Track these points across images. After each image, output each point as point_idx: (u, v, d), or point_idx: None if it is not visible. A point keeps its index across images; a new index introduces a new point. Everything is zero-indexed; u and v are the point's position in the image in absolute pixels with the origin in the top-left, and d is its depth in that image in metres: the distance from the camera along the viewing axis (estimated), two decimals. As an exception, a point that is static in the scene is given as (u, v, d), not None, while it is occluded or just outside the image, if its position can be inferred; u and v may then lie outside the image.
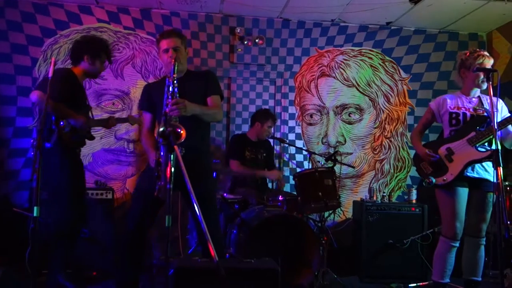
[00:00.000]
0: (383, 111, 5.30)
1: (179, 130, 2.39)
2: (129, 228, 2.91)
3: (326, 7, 4.78)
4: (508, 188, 4.23)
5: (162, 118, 2.55)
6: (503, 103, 3.21)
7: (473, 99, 3.22)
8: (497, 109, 3.16)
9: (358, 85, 5.26)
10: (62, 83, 3.18)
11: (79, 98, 3.38)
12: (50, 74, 2.68)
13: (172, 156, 2.24)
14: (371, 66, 5.30)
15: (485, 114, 3.14)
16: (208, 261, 2.31)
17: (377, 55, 5.32)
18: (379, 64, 5.32)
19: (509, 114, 3.15)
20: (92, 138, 3.57)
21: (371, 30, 5.30)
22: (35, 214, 2.42)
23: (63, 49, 4.72)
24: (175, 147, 2.23)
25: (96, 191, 4.12)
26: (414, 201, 4.33)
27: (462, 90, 3.27)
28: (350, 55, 5.28)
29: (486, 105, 3.18)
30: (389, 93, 5.32)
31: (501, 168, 2.61)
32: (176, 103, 2.63)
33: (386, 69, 5.33)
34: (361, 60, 5.29)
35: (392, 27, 5.32)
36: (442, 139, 3.26)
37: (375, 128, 5.29)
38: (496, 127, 2.73)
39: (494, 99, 3.20)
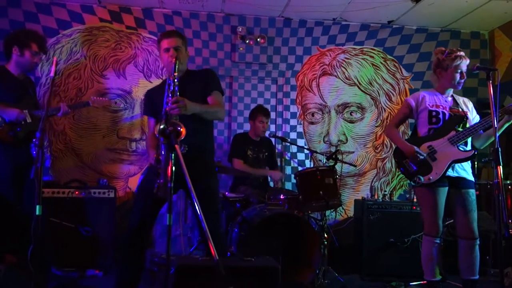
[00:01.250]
0: (384, 110, 5.31)
1: (179, 128, 2.40)
2: (131, 226, 2.93)
3: (328, 6, 4.78)
4: (510, 186, 4.23)
5: (162, 117, 2.56)
6: (472, 105, 3.30)
7: (448, 98, 3.26)
8: (468, 109, 3.26)
9: (359, 83, 5.27)
10: None
11: (14, 92, 3.29)
12: (52, 74, 2.70)
13: (173, 155, 2.25)
14: (372, 64, 5.31)
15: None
16: (208, 259, 2.32)
17: (378, 53, 5.32)
18: (381, 62, 5.32)
19: (478, 116, 3.24)
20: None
21: (373, 28, 5.30)
22: (37, 213, 2.44)
23: (66, 49, 4.74)
24: (176, 146, 2.24)
25: (99, 189, 4.13)
26: (415, 200, 4.33)
27: (436, 88, 3.30)
28: (352, 54, 5.28)
29: (462, 105, 3.23)
30: (390, 91, 5.32)
31: (500, 167, 2.61)
32: (176, 101, 2.63)
33: (388, 67, 5.33)
34: (362, 58, 5.29)
35: (394, 26, 5.32)
36: (421, 137, 3.25)
37: (376, 126, 5.29)
38: (496, 126, 2.72)
39: (466, 99, 3.32)
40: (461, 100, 3.29)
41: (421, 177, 3.12)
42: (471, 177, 3.19)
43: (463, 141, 3.11)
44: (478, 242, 3.12)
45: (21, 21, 4.68)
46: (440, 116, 3.17)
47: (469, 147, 3.20)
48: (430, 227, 3.14)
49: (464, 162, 3.14)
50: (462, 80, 3.16)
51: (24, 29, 3.66)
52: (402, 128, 5.29)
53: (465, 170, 3.17)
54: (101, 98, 3.90)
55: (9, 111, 3.16)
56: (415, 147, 3.14)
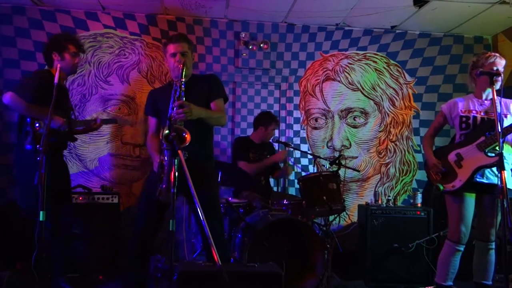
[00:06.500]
0: (388, 115, 5.30)
1: (184, 134, 2.40)
2: (136, 232, 2.93)
3: (331, 11, 4.79)
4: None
5: (167, 122, 2.56)
6: None
7: (485, 101, 3.17)
8: (509, 112, 3.13)
9: (363, 89, 5.26)
10: (37, 84, 3.10)
11: (58, 99, 3.33)
12: (56, 80, 2.72)
13: (176, 160, 2.26)
14: (376, 70, 5.30)
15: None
16: (211, 265, 2.32)
17: (381, 58, 5.32)
18: (384, 67, 5.32)
19: None
20: (73, 139, 3.51)
21: (376, 34, 5.31)
22: (41, 219, 2.45)
23: (70, 55, 4.76)
24: (179, 151, 2.24)
25: (102, 195, 4.14)
26: (419, 205, 4.32)
27: (474, 93, 3.24)
28: (355, 59, 5.29)
29: (499, 108, 3.14)
30: (394, 96, 5.32)
31: (505, 171, 2.60)
32: (181, 105, 2.62)
33: (391, 72, 5.32)
34: (365, 64, 5.29)
35: (397, 31, 5.32)
36: (453, 144, 3.25)
37: (380, 131, 5.28)
38: (500, 131, 2.71)
39: (509, 101, 3.18)
40: (502, 102, 3.05)
41: (441, 186, 3.13)
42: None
43: (492, 147, 2.99)
44: (493, 246, 3.10)
45: (26, 27, 4.71)
46: (470, 121, 3.13)
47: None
48: (452, 232, 3.15)
49: (494, 168, 3.00)
50: (499, 78, 3.00)
51: (58, 34, 3.69)
52: (405, 133, 5.30)
53: (497, 177, 2.97)
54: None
55: (56, 119, 3.15)
56: (436, 160, 3.18)
